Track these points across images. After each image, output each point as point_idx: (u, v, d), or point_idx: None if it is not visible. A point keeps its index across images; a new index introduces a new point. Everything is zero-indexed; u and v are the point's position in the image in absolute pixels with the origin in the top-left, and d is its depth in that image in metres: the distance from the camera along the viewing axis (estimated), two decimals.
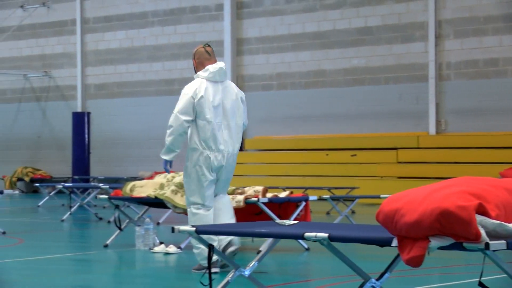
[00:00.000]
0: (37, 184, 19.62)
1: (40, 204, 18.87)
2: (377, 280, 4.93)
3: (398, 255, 4.66)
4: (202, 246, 7.21)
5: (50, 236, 11.19)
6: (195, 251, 7.57)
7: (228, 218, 7.76)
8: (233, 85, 7.79)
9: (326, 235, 4.68)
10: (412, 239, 4.22)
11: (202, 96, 7.47)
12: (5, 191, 12.35)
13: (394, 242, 4.36)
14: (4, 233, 11.61)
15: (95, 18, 26.56)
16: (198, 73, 7.69)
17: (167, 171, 7.72)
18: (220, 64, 7.66)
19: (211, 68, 7.62)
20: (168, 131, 7.48)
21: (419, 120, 21.26)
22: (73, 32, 26.96)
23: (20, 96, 28.24)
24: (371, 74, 21.90)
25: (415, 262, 4.20)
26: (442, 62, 20.93)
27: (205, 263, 7.35)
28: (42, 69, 27.52)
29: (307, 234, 4.76)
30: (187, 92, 7.55)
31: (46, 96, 27.71)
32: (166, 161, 7.58)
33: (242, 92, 7.91)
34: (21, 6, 27.61)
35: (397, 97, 21.54)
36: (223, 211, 7.75)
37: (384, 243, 4.47)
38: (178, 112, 7.47)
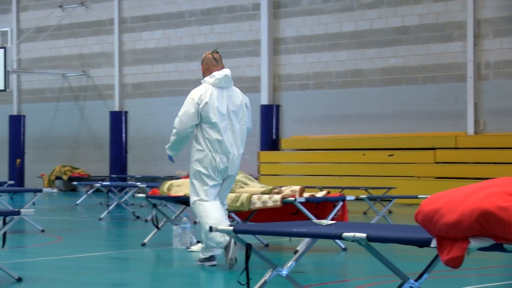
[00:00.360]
0: (75, 183, 19.79)
1: (78, 202, 19.01)
2: (415, 280, 4.90)
3: (437, 256, 4.63)
4: (212, 234, 7.54)
5: (88, 235, 11.27)
6: (205, 241, 7.82)
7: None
8: (238, 91, 8.05)
9: (364, 235, 4.66)
10: (451, 240, 4.19)
11: (206, 102, 7.74)
12: (44, 190, 12.44)
13: (433, 243, 4.33)
14: (43, 231, 11.72)
15: (133, 18, 26.71)
16: (205, 78, 7.94)
17: (171, 160, 8.19)
18: (225, 71, 7.88)
19: (217, 74, 7.85)
20: (173, 132, 7.86)
21: (457, 120, 21.11)
22: (111, 32, 27.13)
23: (58, 96, 28.48)
24: (409, 73, 21.77)
25: (455, 263, 4.17)
26: (480, 62, 20.75)
27: (207, 253, 7.82)
28: (80, 68, 27.73)
29: (345, 234, 4.74)
30: (192, 97, 7.81)
31: (84, 95, 27.91)
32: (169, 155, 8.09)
33: (247, 98, 8.15)
34: (60, 6, 27.83)
35: (435, 97, 21.39)
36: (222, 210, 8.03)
37: (423, 243, 4.44)
38: (182, 116, 7.77)
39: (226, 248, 7.66)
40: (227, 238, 7.58)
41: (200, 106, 7.73)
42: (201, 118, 7.77)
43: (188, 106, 7.77)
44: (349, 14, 22.70)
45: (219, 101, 7.78)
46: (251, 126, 8.18)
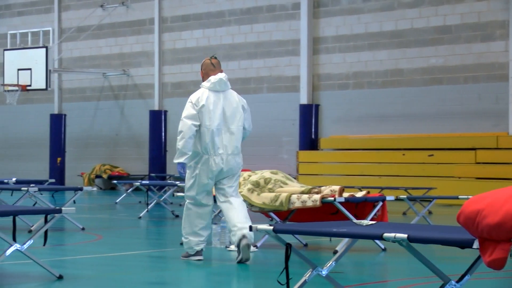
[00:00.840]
0: (114, 181, 19.88)
1: (117, 201, 19.12)
2: (457, 282, 4.85)
3: (479, 257, 4.58)
4: (190, 237, 8.24)
5: (128, 233, 11.32)
6: (183, 239, 8.32)
7: (241, 216, 8.21)
8: (234, 94, 8.49)
9: (405, 235, 4.63)
10: (494, 241, 4.14)
11: (203, 105, 8.21)
12: (84, 188, 12.53)
13: (476, 244, 4.28)
14: (83, 229, 11.80)
15: (173, 17, 26.82)
16: (202, 83, 8.39)
17: (181, 175, 8.32)
18: (220, 75, 8.33)
19: (212, 79, 8.32)
20: (179, 137, 8.14)
21: (499, 120, 20.89)
22: (151, 31, 27.27)
23: (99, 95, 28.69)
24: (450, 73, 21.61)
25: (497, 264, 4.13)
26: None
27: (191, 251, 8.27)
28: (121, 67, 27.91)
29: (386, 235, 4.71)
30: (191, 100, 8.30)
31: (124, 95, 28.08)
32: (180, 165, 8.19)
33: (244, 100, 8.55)
34: (101, 6, 28.04)
35: (476, 96, 21.20)
36: (237, 209, 8.26)
37: (465, 244, 4.40)
38: (185, 117, 8.20)
39: (238, 247, 8.09)
40: (201, 247, 8.25)
41: (197, 108, 8.21)
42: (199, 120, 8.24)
43: (189, 109, 8.24)
44: (390, 14, 22.58)
45: (214, 104, 8.25)
46: (251, 127, 8.55)
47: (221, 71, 8.38)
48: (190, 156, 8.17)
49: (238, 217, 8.20)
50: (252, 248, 9.16)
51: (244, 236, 8.07)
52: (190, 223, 8.32)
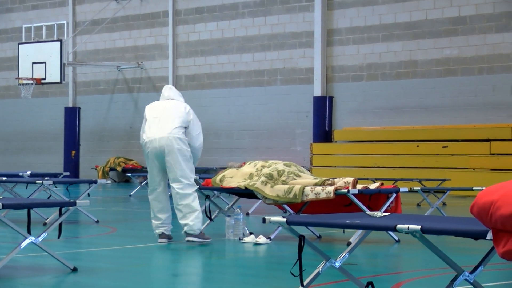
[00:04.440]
0: (128, 174, 19.95)
1: (131, 193, 19.17)
2: (470, 273, 4.84)
3: (492, 248, 4.57)
4: (152, 221, 9.22)
5: (142, 226, 11.34)
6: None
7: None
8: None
9: (418, 227, 4.62)
10: (508, 232, 4.13)
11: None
12: (98, 181, 12.57)
13: (489, 235, 4.27)
14: (97, 222, 11.84)
15: (187, 10, 26.81)
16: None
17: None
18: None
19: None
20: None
21: None
22: (165, 24, 27.29)
23: (113, 88, 28.74)
24: (464, 64, 21.52)
25: (511, 255, 4.12)
26: None
27: (156, 234, 9.20)
28: (135, 60, 27.95)
29: (399, 226, 4.71)
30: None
31: (138, 87, 28.12)
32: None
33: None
34: None
35: (491, 88, 21.12)
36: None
37: (478, 235, 4.39)
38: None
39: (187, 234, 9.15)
40: (161, 230, 9.13)
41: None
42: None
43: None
44: (404, 5, 22.50)
45: None
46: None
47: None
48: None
49: None
50: (266, 240, 9.18)
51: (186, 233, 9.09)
52: (151, 207, 9.25)
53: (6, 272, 6.78)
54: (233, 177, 9.86)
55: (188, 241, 8.94)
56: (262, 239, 9.18)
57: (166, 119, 9.21)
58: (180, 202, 8.99)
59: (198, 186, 9.53)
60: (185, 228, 9.04)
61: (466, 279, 4.83)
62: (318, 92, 23.69)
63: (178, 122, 9.14)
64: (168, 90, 9.66)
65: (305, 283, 5.23)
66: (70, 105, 29.51)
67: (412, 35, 22.37)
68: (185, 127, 9.18)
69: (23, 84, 25.85)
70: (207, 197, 9.94)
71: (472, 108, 21.43)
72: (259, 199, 9.64)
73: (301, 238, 5.15)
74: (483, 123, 21.13)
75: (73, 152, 29.04)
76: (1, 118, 31.33)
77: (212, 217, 9.92)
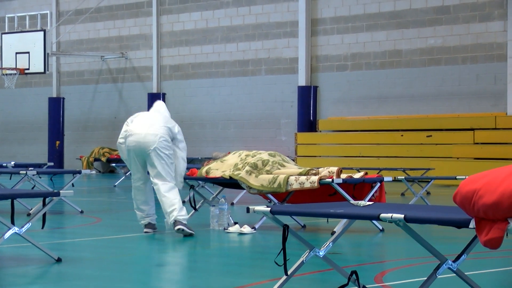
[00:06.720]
0: (113, 164, 19.92)
1: (116, 184, 19.15)
2: (453, 261, 4.87)
3: (475, 237, 4.59)
4: (136, 212, 9.25)
5: (127, 216, 11.33)
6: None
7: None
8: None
9: (402, 216, 4.64)
10: (490, 221, 4.15)
11: None
12: (83, 171, 12.54)
13: (472, 224, 4.29)
14: (82, 212, 11.82)
15: (171, 0, 26.74)
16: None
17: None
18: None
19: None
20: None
21: (497, 100, 20.90)
22: (149, 14, 27.20)
23: (97, 78, 28.65)
24: (448, 54, 21.58)
25: (493, 244, 4.14)
26: None
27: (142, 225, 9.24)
28: (119, 50, 27.86)
29: (382, 215, 4.72)
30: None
31: (122, 78, 28.05)
32: None
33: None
34: None
35: (475, 77, 21.19)
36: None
37: (461, 224, 4.41)
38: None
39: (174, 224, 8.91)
40: (146, 220, 9.16)
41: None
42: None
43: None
44: None
45: None
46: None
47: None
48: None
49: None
50: (250, 230, 9.19)
51: (176, 222, 8.91)
52: (134, 199, 9.27)
53: None
54: (219, 169, 9.86)
55: (178, 229, 8.80)
56: (246, 229, 9.19)
57: (153, 119, 9.09)
58: (164, 194, 8.92)
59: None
60: (174, 216, 8.87)
61: (449, 268, 4.85)
62: (302, 82, 23.71)
63: (164, 125, 9.04)
64: (159, 104, 9.52)
65: (289, 272, 5.25)
66: (54, 95, 29.41)
67: (396, 25, 22.40)
68: (170, 137, 9.04)
69: (6, 74, 25.73)
70: (192, 187, 9.93)
71: (455, 98, 21.50)
72: (244, 189, 9.65)
73: (285, 228, 5.16)
74: (467, 112, 21.21)
75: (57, 142, 28.94)
76: None
77: (197, 207, 9.91)
